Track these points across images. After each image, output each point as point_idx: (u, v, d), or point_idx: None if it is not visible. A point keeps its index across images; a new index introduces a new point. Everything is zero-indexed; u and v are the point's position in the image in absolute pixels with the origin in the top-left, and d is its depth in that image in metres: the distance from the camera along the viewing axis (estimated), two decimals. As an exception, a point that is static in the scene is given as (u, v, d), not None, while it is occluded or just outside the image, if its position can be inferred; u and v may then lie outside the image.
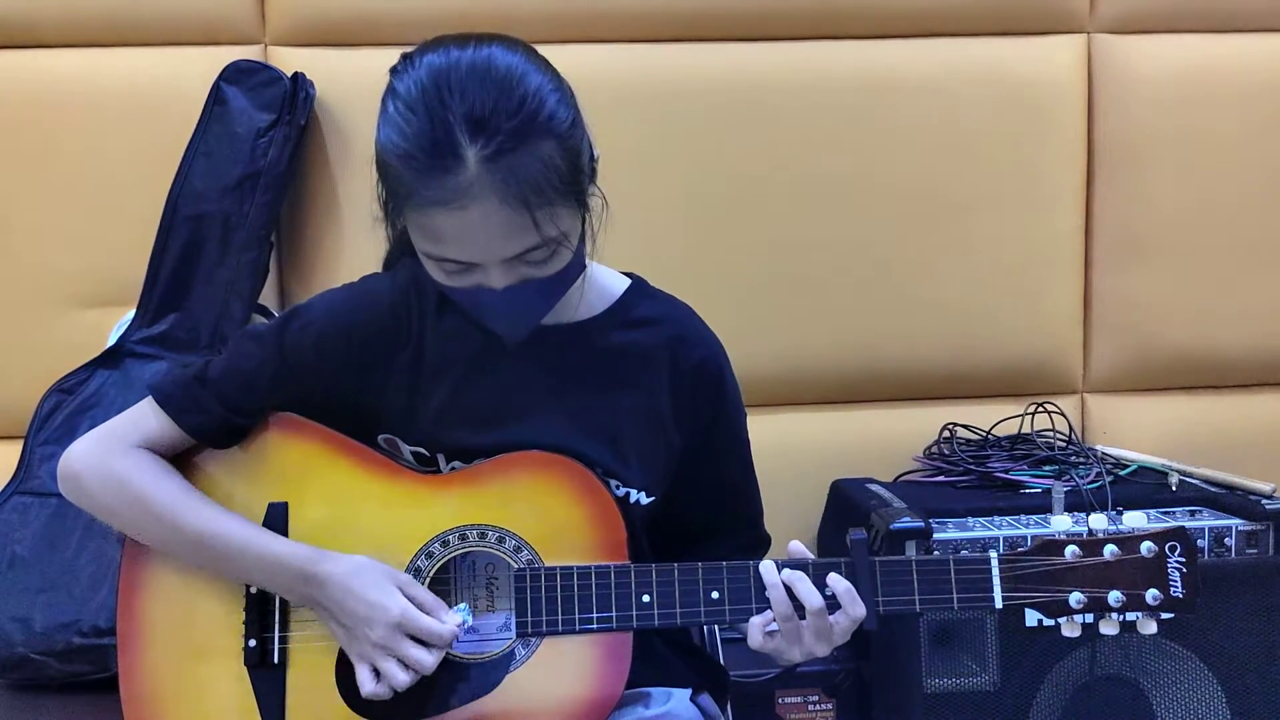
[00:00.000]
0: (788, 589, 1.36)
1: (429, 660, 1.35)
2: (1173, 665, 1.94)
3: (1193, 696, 1.95)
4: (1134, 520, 1.40)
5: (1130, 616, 1.37)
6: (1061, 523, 1.40)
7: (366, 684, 1.36)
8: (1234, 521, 1.96)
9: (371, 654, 1.36)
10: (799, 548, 1.40)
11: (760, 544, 1.60)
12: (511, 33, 1.35)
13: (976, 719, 1.93)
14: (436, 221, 1.27)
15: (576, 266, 1.38)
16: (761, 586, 1.37)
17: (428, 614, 1.37)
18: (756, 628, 1.38)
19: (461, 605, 1.40)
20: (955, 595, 1.37)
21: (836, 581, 1.36)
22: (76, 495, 1.46)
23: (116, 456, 1.43)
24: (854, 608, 1.36)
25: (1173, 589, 1.36)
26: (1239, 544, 1.95)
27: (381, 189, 1.35)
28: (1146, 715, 1.95)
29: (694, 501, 1.54)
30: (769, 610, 1.37)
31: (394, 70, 1.33)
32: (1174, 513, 2.02)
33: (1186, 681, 1.95)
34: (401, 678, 1.35)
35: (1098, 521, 1.39)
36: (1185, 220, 2.43)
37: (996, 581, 1.37)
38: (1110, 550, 1.37)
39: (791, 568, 1.38)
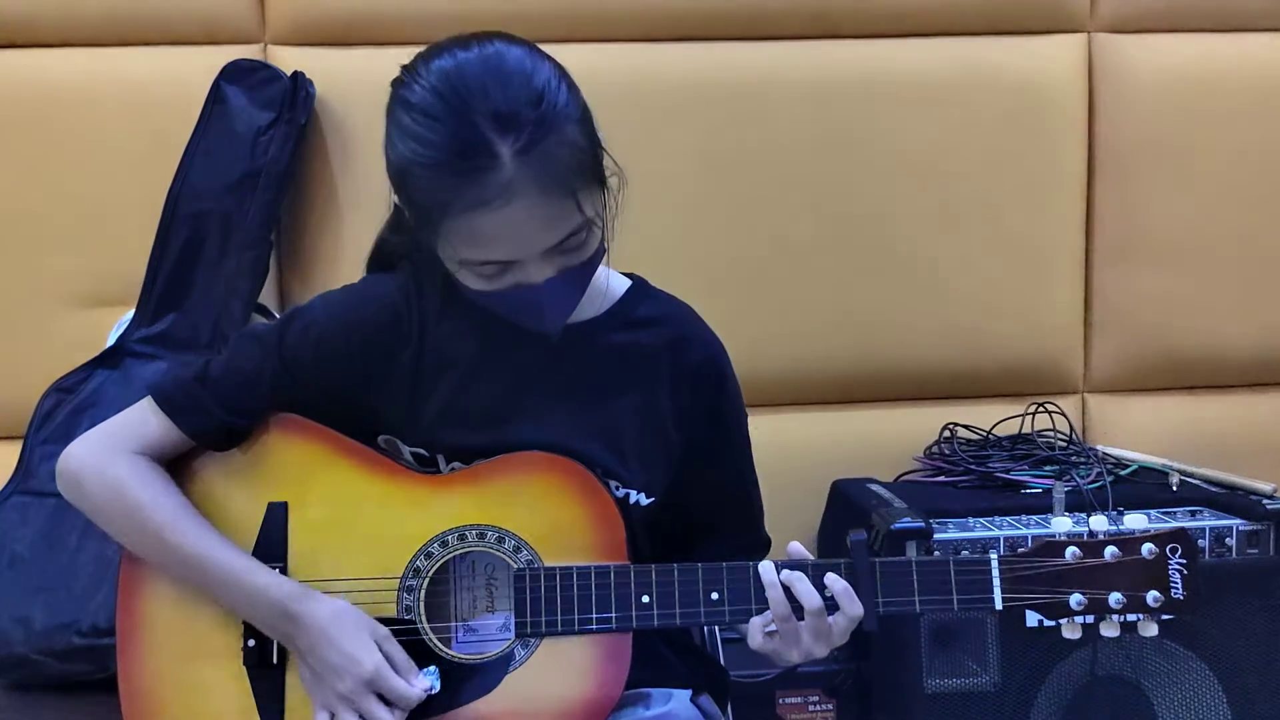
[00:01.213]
0: (786, 589, 1.36)
1: None
2: (1173, 665, 1.94)
3: (1193, 697, 1.95)
4: (1135, 522, 1.39)
5: (1131, 618, 1.37)
6: (1062, 524, 1.39)
7: None
8: (1235, 521, 1.96)
9: (335, 704, 1.36)
10: (798, 549, 1.40)
11: (760, 545, 1.60)
12: (512, 32, 1.35)
13: (976, 719, 1.93)
14: (480, 224, 1.27)
15: (600, 250, 1.39)
16: (761, 587, 1.37)
17: (399, 674, 1.37)
18: (756, 628, 1.38)
19: (431, 669, 1.39)
20: (955, 596, 1.37)
21: (834, 581, 1.36)
22: (75, 496, 1.46)
23: (116, 461, 1.43)
24: (852, 607, 1.36)
25: (1174, 590, 1.36)
26: (1240, 544, 1.95)
27: (408, 206, 1.34)
28: (1147, 716, 1.95)
29: (694, 501, 1.54)
30: (769, 611, 1.37)
31: (398, 83, 1.33)
32: (1175, 513, 2.02)
33: (1187, 682, 1.95)
34: None
35: (1098, 523, 1.39)
36: (1185, 220, 2.42)
37: (996, 582, 1.37)
38: (1111, 551, 1.36)
39: (790, 569, 1.38)
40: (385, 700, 1.36)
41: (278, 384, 1.44)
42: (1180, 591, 1.36)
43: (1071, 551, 1.37)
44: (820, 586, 1.36)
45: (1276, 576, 1.94)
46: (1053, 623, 1.38)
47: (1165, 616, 1.36)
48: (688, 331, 1.52)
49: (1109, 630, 1.37)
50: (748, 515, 1.61)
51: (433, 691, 1.38)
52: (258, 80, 2.20)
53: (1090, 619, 1.37)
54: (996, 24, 2.38)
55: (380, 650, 1.37)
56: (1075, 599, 1.36)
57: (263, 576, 1.40)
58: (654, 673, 1.48)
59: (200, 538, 1.41)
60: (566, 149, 1.28)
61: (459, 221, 1.28)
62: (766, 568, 1.38)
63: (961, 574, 1.37)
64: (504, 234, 1.28)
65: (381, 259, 1.53)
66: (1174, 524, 1.95)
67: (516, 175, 1.25)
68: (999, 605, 1.37)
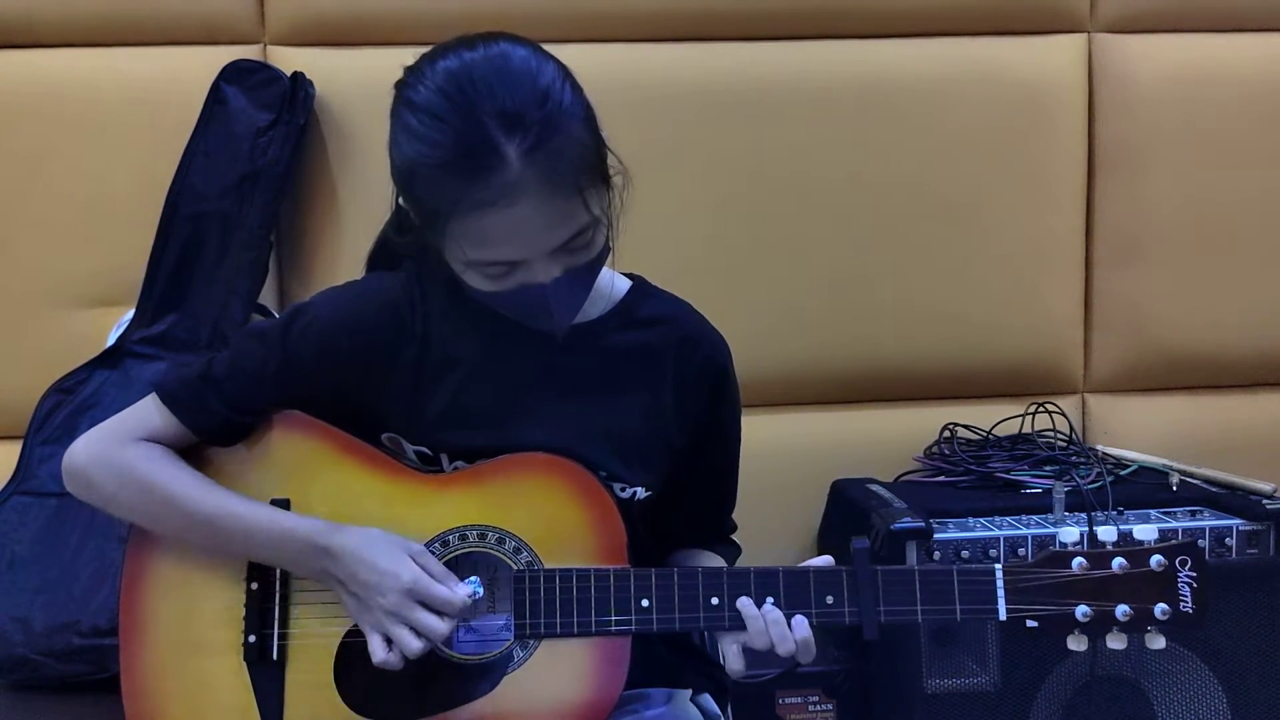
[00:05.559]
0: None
1: (441, 627, 1.35)
2: (1173, 665, 1.94)
3: (1193, 697, 1.95)
4: (1144, 533, 1.37)
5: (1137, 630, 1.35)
6: (1069, 534, 1.37)
7: (378, 653, 1.36)
8: (1235, 522, 1.96)
9: (383, 621, 1.36)
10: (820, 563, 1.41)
11: (725, 540, 1.63)
12: (512, 32, 1.35)
13: (976, 719, 1.93)
14: (486, 223, 1.28)
15: (606, 249, 1.39)
16: (760, 593, 1.38)
17: (439, 583, 1.37)
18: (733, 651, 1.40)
19: (472, 578, 1.39)
20: (958, 606, 1.36)
21: (800, 626, 1.37)
22: (84, 490, 1.46)
23: (122, 449, 1.43)
24: (805, 658, 1.37)
25: (1183, 604, 1.33)
26: (1240, 544, 1.95)
27: (413, 207, 1.34)
28: (1147, 716, 1.95)
29: (676, 489, 1.54)
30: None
31: (401, 84, 1.33)
32: (1175, 513, 2.02)
33: (1187, 682, 1.95)
34: (414, 645, 1.35)
35: (1106, 533, 1.37)
36: (1185, 220, 2.42)
37: (1001, 593, 1.36)
38: (1118, 563, 1.34)
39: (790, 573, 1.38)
40: (431, 610, 1.36)
41: (281, 380, 1.45)
42: (1190, 605, 1.33)
43: (1078, 562, 1.35)
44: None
45: (1276, 576, 1.94)
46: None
47: (1172, 629, 1.34)
48: (693, 331, 1.52)
49: (1116, 643, 1.35)
50: (722, 510, 1.62)
51: (477, 597, 1.38)
52: (257, 81, 2.20)
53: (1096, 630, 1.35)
54: (996, 24, 2.37)
55: (416, 563, 1.37)
56: (1081, 610, 1.34)
57: (289, 519, 1.41)
58: (653, 673, 1.48)
59: (219, 497, 1.42)
60: (573, 148, 1.28)
61: (465, 222, 1.28)
62: (745, 603, 1.38)
63: (965, 584, 1.37)
64: (511, 234, 1.29)
65: (383, 258, 1.53)
66: (1175, 524, 1.96)
67: (523, 175, 1.25)
68: (1003, 616, 1.36)
